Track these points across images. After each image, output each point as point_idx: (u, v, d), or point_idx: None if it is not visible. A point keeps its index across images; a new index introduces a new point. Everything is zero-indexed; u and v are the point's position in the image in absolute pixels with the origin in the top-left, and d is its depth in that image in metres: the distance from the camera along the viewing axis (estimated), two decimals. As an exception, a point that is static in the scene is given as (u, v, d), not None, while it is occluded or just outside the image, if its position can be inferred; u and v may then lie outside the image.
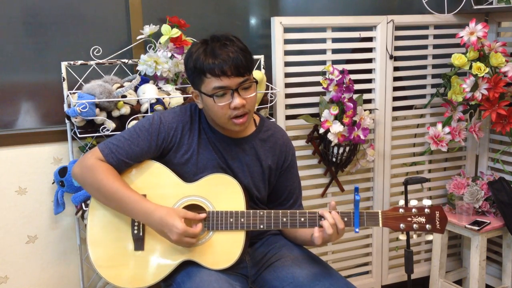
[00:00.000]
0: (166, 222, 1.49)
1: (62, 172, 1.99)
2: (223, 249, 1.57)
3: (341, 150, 2.31)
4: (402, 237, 1.59)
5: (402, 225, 1.53)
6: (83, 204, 1.91)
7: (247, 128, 1.68)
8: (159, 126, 1.61)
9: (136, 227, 1.60)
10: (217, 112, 1.54)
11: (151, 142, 1.60)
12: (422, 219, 1.53)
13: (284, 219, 1.56)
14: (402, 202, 1.57)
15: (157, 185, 1.61)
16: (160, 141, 1.61)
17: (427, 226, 1.52)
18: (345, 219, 1.54)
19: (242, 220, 1.57)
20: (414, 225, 1.53)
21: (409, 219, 1.53)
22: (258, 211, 1.57)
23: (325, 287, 1.55)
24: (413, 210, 1.53)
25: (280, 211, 1.57)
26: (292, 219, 1.56)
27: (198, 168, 1.63)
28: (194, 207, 1.59)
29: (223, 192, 1.60)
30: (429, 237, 1.56)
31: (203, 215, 1.55)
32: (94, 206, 1.63)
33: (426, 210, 1.53)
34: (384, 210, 1.54)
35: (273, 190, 1.76)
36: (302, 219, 1.56)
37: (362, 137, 2.27)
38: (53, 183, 2.08)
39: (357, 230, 1.54)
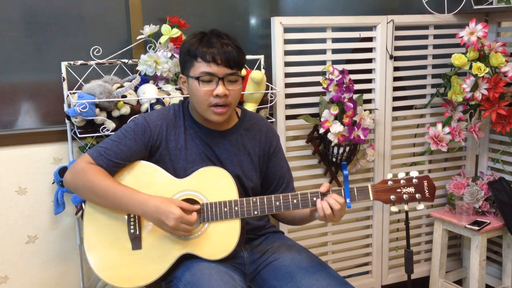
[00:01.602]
0: (162, 210, 1.51)
1: (62, 172, 1.99)
2: (220, 239, 1.59)
3: (341, 150, 2.31)
4: (394, 209, 1.60)
5: (392, 197, 1.56)
6: (83, 204, 1.90)
7: (230, 120, 1.73)
8: (144, 124, 1.65)
9: (132, 227, 1.61)
10: (199, 97, 1.59)
11: (138, 140, 1.63)
12: (411, 189, 1.57)
13: (277, 203, 1.59)
14: (390, 175, 1.60)
15: (150, 184, 1.62)
16: (147, 139, 1.64)
17: (417, 195, 1.56)
18: None
19: (236, 208, 1.59)
20: (404, 196, 1.56)
21: (398, 190, 1.57)
22: (251, 198, 1.60)
23: (322, 287, 1.55)
24: (402, 181, 1.57)
25: (273, 195, 1.60)
26: (285, 202, 1.59)
27: (188, 163, 1.65)
28: (188, 201, 1.60)
29: (215, 184, 1.62)
30: (420, 207, 1.58)
31: (197, 207, 1.58)
32: (89, 211, 1.64)
33: (414, 180, 1.57)
34: (373, 184, 1.58)
35: (264, 178, 1.79)
36: (295, 201, 1.59)
37: (362, 137, 2.27)
38: (53, 183, 2.08)
39: (348, 201, 1.56)
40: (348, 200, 1.56)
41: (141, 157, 1.66)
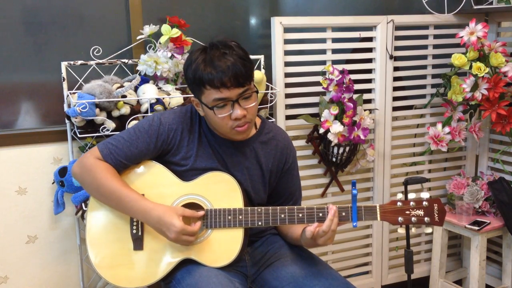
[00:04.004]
0: (164, 221, 1.50)
1: (62, 172, 1.99)
2: (222, 247, 1.58)
3: (341, 150, 2.31)
4: (401, 230, 1.57)
5: (400, 219, 1.52)
6: (83, 204, 1.91)
7: None
8: (159, 127, 1.60)
9: (135, 227, 1.60)
10: (218, 123, 1.54)
11: (150, 144, 1.60)
12: (421, 212, 1.52)
13: (282, 215, 1.57)
14: (400, 196, 1.56)
15: (155, 185, 1.61)
16: (160, 143, 1.61)
17: (426, 219, 1.52)
18: (343, 213, 1.54)
19: (240, 217, 1.57)
20: (413, 218, 1.52)
21: (407, 212, 1.53)
22: (256, 208, 1.58)
23: (324, 287, 1.55)
24: (411, 203, 1.52)
25: (278, 207, 1.58)
26: (290, 215, 1.57)
27: (197, 170, 1.63)
28: (192, 206, 1.59)
29: (220, 190, 1.60)
30: (428, 230, 1.55)
31: (201, 213, 1.56)
32: (93, 207, 1.63)
33: (424, 203, 1.52)
34: (382, 204, 1.54)
35: (273, 192, 1.77)
36: (300, 215, 1.56)
37: (362, 137, 2.27)
38: (53, 183, 2.08)
39: (355, 224, 1.53)
40: (355, 223, 1.53)
41: (150, 158, 1.64)
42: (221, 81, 1.46)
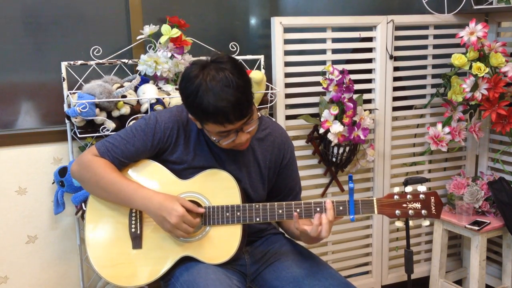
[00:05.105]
0: (165, 206, 1.51)
1: (62, 172, 1.99)
2: (221, 244, 1.58)
3: (341, 150, 2.31)
4: (399, 223, 1.58)
5: (397, 212, 1.54)
6: (83, 204, 1.91)
7: None
8: (155, 125, 1.61)
9: (133, 225, 1.61)
10: (220, 144, 1.56)
11: (147, 142, 1.61)
12: (418, 205, 1.54)
13: (280, 211, 1.58)
14: (397, 189, 1.57)
15: (153, 184, 1.62)
16: (156, 141, 1.61)
17: (423, 211, 1.53)
18: (341, 207, 1.55)
19: (238, 213, 1.58)
20: (410, 211, 1.54)
21: (404, 205, 1.54)
22: (253, 204, 1.59)
23: (324, 287, 1.55)
24: (408, 196, 1.54)
25: (276, 203, 1.59)
26: (288, 211, 1.57)
27: (195, 168, 1.64)
28: None
29: (218, 187, 1.61)
30: (426, 223, 1.56)
31: (201, 209, 1.56)
32: (92, 207, 1.64)
33: (421, 196, 1.54)
34: (379, 198, 1.55)
35: (273, 188, 1.77)
36: (298, 210, 1.57)
37: (362, 137, 2.27)
38: (53, 183, 2.08)
39: (352, 217, 1.54)
40: (352, 216, 1.54)
41: (147, 157, 1.65)
42: (226, 117, 1.44)
